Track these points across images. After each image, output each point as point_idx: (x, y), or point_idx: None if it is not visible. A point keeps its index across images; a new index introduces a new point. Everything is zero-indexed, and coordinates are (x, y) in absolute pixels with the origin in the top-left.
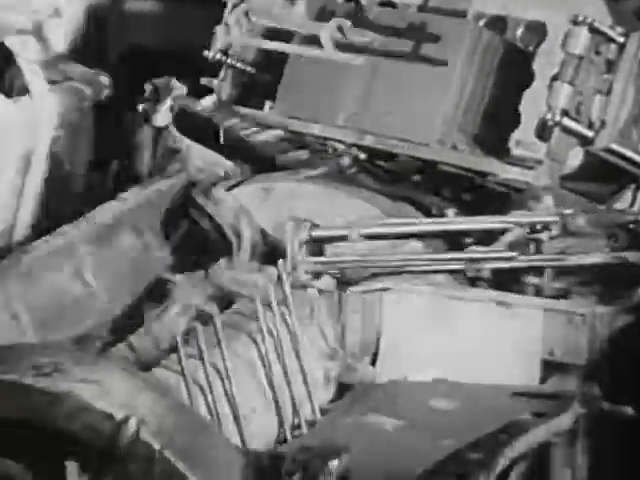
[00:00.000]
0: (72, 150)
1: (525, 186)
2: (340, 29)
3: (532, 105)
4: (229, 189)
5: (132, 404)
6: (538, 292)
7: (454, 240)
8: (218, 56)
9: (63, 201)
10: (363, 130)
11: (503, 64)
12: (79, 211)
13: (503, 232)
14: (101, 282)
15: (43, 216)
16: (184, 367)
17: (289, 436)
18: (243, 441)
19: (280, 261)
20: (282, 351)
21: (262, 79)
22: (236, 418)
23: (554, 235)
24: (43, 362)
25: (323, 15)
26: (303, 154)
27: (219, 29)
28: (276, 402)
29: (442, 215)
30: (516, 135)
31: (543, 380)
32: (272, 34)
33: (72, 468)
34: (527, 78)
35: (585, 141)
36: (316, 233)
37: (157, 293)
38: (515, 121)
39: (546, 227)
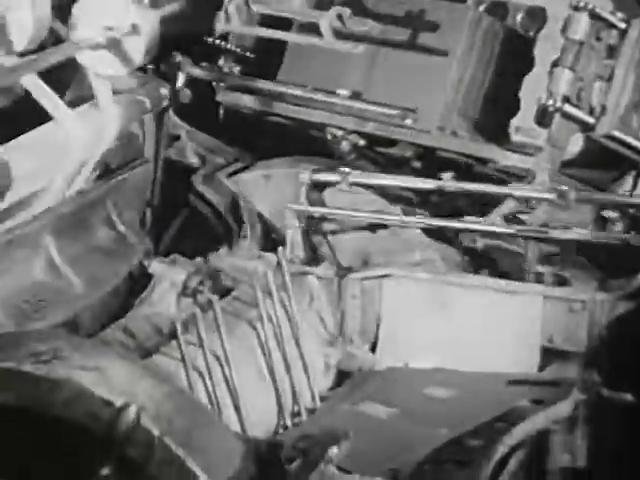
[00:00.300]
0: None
1: (525, 173)
2: (340, 17)
3: (532, 91)
4: (229, 176)
5: (132, 391)
6: (538, 279)
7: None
8: (217, 42)
9: None
10: (364, 117)
11: (503, 50)
12: None
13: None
14: (74, 272)
15: None
16: (184, 354)
17: (289, 423)
18: (243, 428)
19: (280, 248)
20: (282, 338)
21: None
22: (236, 405)
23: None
24: (42, 349)
25: (322, 3)
26: None
27: (219, 16)
28: (276, 389)
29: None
30: (515, 121)
31: (542, 367)
32: (271, 21)
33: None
34: (527, 64)
35: (586, 127)
36: (315, 177)
37: (137, 279)
38: (515, 107)
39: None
